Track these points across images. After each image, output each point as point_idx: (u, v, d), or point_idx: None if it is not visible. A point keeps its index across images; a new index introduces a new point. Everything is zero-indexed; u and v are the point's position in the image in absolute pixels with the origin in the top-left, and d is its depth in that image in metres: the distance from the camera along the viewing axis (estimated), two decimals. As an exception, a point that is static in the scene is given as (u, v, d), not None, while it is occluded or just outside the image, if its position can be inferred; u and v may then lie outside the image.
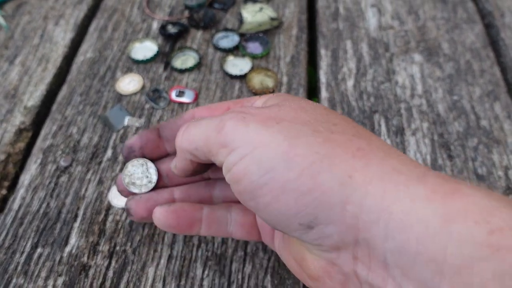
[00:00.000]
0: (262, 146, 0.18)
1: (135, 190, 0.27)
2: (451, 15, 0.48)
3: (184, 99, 0.41)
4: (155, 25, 0.48)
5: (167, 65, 0.44)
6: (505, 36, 0.46)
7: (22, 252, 0.31)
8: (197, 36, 0.47)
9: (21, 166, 0.38)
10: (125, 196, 0.28)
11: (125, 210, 0.27)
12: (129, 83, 0.42)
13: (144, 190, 0.27)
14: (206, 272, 0.30)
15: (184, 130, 0.22)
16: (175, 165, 0.25)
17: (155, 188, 0.27)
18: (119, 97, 0.41)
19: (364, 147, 0.19)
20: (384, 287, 0.17)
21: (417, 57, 0.44)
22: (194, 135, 0.21)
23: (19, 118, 0.40)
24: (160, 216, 0.25)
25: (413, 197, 0.16)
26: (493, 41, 0.47)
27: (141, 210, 0.26)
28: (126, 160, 0.28)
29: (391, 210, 0.17)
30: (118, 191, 0.29)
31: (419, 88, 0.42)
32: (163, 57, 0.45)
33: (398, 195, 0.17)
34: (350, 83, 0.42)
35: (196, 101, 0.41)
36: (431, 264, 0.16)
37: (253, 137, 0.19)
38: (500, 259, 0.14)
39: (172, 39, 0.47)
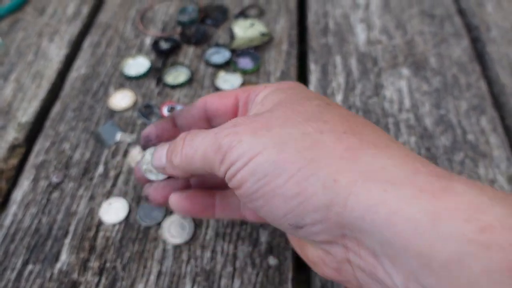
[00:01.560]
0: (255, 156, 0.20)
1: (152, 177, 0.28)
2: (438, 30, 0.49)
3: (175, 115, 0.41)
4: (148, 41, 0.49)
5: (159, 80, 0.45)
6: (491, 50, 0.47)
7: (13, 269, 0.31)
8: (189, 51, 0.48)
9: (13, 183, 0.38)
10: (143, 183, 0.30)
11: (144, 196, 0.29)
12: (121, 99, 0.43)
13: (161, 177, 0.28)
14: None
15: (181, 153, 0.24)
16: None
17: None
18: (112, 113, 0.42)
19: (353, 145, 0.19)
20: (376, 273, 0.18)
21: (405, 71, 0.45)
22: (192, 158, 0.23)
23: (12, 135, 0.41)
24: (175, 202, 0.27)
25: (400, 196, 0.17)
26: (479, 55, 0.48)
27: (159, 196, 0.28)
28: (144, 149, 0.29)
29: (376, 209, 0.17)
30: (136, 178, 0.30)
31: (407, 103, 0.42)
32: (156, 72, 0.46)
33: (384, 195, 0.17)
34: (339, 97, 0.43)
35: (187, 117, 0.41)
36: (419, 258, 0.16)
37: (246, 151, 0.20)
38: (491, 256, 0.14)
39: (165, 55, 0.47)
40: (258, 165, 0.20)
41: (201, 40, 0.48)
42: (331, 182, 0.18)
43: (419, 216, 0.16)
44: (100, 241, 0.33)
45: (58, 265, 0.32)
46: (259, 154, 0.20)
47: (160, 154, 0.26)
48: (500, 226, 0.15)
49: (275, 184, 0.19)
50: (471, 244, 0.15)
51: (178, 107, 0.42)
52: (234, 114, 0.26)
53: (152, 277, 0.31)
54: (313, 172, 0.18)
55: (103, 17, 0.52)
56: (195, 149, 0.23)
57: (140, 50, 0.48)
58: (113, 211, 0.34)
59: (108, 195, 0.36)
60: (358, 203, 0.17)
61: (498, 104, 0.43)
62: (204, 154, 0.22)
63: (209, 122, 0.28)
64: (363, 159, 0.18)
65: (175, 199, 0.27)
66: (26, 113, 0.43)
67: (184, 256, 0.32)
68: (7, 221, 0.34)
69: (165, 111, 0.42)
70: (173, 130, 0.28)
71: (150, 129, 0.28)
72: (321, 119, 0.20)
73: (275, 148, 0.19)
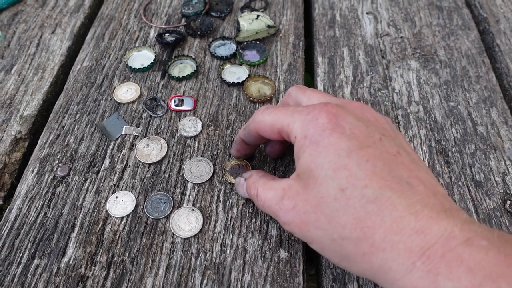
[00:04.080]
0: (309, 243, 0.26)
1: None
2: (447, 22, 0.49)
3: (184, 108, 0.40)
4: (152, 34, 0.48)
5: (165, 73, 0.44)
6: (500, 42, 0.47)
7: (19, 264, 0.31)
8: (194, 44, 0.47)
9: (17, 176, 0.38)
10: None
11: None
12: (126, 92, 0.42)
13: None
14: (205, 281, 0.30)
15: (257, 200, 0.29)
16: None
17: None
18: (117, 106, 0.41)
19: (368, 250, 0.23)
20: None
21: (414, 63, 0.45)
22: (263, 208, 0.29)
23: (15, 128, 0.40)
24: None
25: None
26: (489, 47, 0.47)
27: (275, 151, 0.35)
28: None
29: None
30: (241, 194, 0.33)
31: (416, 95, 0.42)
32: (160, 65, 0.45)
33: (394, 285, 0.22)
34: (347, 90, 0.43)
35: (195, 108, 0.41)
36: None
37: (301, 237, 0.26)
38: None
39: (169, 47, 0.47)
40: (311, 247, 0.26)
41: (206, 33, 0.48)
42: (362, 272, 0.24)
43: None
44: (107, 235, 0.32)
45: (65, 259, 0.31)
46: (310, 243, 0.26)
47: (242, 192, 0.32)
48: None
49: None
50: None
51: (186, 100, 0.41)
52: (283, 141, 0.32)
53: (161, 271, 0.30)
54: (348, 266, 0.24)
55: (106, 9, 0.52)
56: (263, 203, 0.28)
57: (144, 43, 0.47)
58: (120, 204, 0.34)
59: (115, 188, 0.35)
60: (381, 285, 0.23)
61: (508, 96, 0.43)
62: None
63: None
64: (377, 262, 0.22)
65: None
66: (28, 106, 0.42)
67: (193, 250, 0.31)
68: (11, 215, 0.34)
69: (173, 105, 0.41)
70: (246, 147, 0.34)
71: (237, 154, 0.35)
72: (340, 219, 0.24)
73: (318, 245, 0.25)
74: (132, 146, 0.38)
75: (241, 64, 0.45)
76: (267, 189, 0.28)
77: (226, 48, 0.46)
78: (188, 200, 0.34)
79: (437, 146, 0.38)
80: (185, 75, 0.43)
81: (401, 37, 0.47)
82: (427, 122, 0.40)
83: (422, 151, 0.38)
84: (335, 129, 0.24)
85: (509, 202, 0.34)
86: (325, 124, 0.25)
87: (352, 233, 0.23)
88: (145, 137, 0.38)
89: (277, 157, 0.36)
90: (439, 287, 0.20)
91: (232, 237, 0.32)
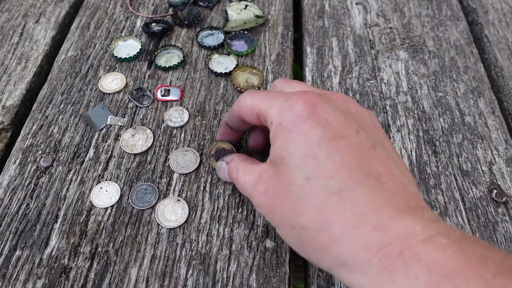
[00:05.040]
0: (275, 227, 0.26)
1: None
2: (436, 13, 0.49)
3: (170, 98, 0.40)
4: (139, 23, 0.48)
5: (151, 63, 0.43)
6: (488, 33, 0.47)
7: (0, 255, 0.30)
8: (181, 34, 0.46)
9: (-1, 167, 0.37)
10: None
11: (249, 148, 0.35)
12: (111, 82, 0.41)
13: None
14: (190, 271, 0.29)
15: (238, 182, 0.28)
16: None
17: None
18: (102, 96, 0.40)
19: (325, 242, 0.22)
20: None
21: (402, 54, 0.45)
22: (243, 191, 0.28)
23: (-3, 118, 0.39)
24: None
25: (359, 283, 0.21)
26: (477, 38, 0.47)
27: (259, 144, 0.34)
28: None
29: (351, 284, 0.22)
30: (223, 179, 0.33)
31: (404, 85, 0.42)
32: (147, 55, 0.44)
33: (350, 279, 0.22)
34: (335, 80, 0.42)
35: (181, 98, 0.40)
36: None
37: (270, 220, 0.26)
38: None
39: (156, 37, 0.46)
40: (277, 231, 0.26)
41: (194, 23, 0.47)
42: (319, 263, 0.24)
43: None
44: (91, 226, 0.32)
45: (48, 251, 0.30)
46: (275, 227, 0.26)
47: (223, 175, 0.31)
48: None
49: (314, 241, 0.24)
50: None
51: (172, 90, 0.40)
52: (264, 128, 0.29)
53: (146, 261, 0.30)
54: (307, 255, 0.24)
55: (92, -2, 0.51)
56: (242, 186, 0.28)
57: (130, 32, 0.47)
58: (105, 195, 0.33)
59: (99, 179, 0.34)
60: (337, 277, 0.23)
61: (496, 87, 0.43)
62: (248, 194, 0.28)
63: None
64: (334, 254, 0.22)
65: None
66: (11, 96, 0.41)
67: (179, 240, 0.31)
68: (-7, 206, 0.33)
69: (159, 94, 0.40)
70: (230, 132, 0.34)
71: (221, 137, 0.35)
72: (301, 208, 0.23)
73: (281, 230, 0.25)
74: (117, 137, 0.37)
75: (229, 54, 0.44)
76: (247, 173, 0.27)
77: (214, 38, 0.46)
78: (174, 190, 0.34)
79: (425, 136, 0.38)
80: (172, 65, 0.42)
81: (390, 28, 0.47)
82: (415, 112, 0.40)
83: (409, 141, 0.37)
84: (310, 117, 0.24)
85: (495, 191, 0.34)
86: (301, 112, 0.24)
87: (311, 223, 0.23)
88: (130, 127, 0.38)
89: (260, 151, 0.35)
90: (395, 284, 0.20)
91: (218, 227, 0.32)
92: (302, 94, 0.25)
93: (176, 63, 0.43)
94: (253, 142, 0.34)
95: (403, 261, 0.20)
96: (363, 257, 0.21)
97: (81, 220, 0.32)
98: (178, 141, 0.37)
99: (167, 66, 0.42)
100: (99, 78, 0.42)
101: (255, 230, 0.32)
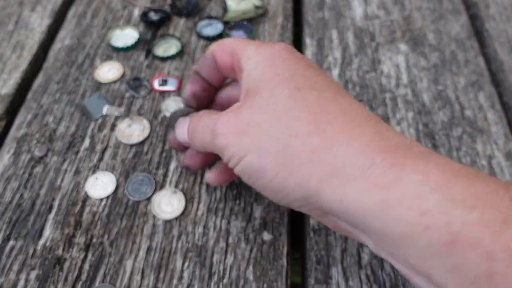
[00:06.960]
0: (242, 159, 0.23)
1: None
2: (437, 6, 0.48)
3: (167, 88, 0.39)
4: (136, 12, 0.47)
5: (149, 53, 0.43)
6: (489, 27, 0.46)
7: (-7, 245, 0.30)
8: (180, 23, 0.46)
9: (-7, 156, 0.36)
10: (181, 150, 0.32)
11: (183, 167, 0.32)
12: (108, 71, 0.41)
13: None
14: (186, 264, 0.29)
15: (195, 142, 0.27)
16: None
17: None
18: (98, 85, 0.40)
19: (318, 148, 0.21)
20: (358, 237, 0.23)
21: (403, 47, 0.44)
22: (204, 148, 0.27)
23: (-9, 107, 0.38)
24: (213, 178, 0.30)
25: (357, 190, 0.20)
26: (478, 31, 0.47)
27: (197, 163, 0.30)
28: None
29: (341, 201, 0.21)
30: (173, 146, 0.32)
31: (404, 78, 0.41)
32: (145, 44, 0.43)
33: (345, 190, 0.20)
34: (335, 72, 0.42)
35: (180, 89, 0.40)
36: (378, 235, 0.20)
37: (235, 153, 0.24)
38: (430, 234, 0.18)
39: (154, 26, 0.45)
40: (245, 167, 0.23)
41: (193, 12, 0.46)
42: (304, 182, 0.22)
43: (373, 206, 0.19)
44: (86, 217, 0.31)
45: (42, 241, 0.30)
46: (244, 157, 0.23)
47: (182, 131, 0.28)
48: (437, 211, 0.18)
49: (262, 182, 0.23)
50: (414, 226, 0.18)
51: (170, 80, 0.40)
52: (234, 71, 0.28)
53: (141, 253, 0.30)
54: (288, 175, 0.22)
55: (89, -14, 0.50)
56: (201, 143, 0.26)
57: (127, 22, 0.46)
58: (100, 185, 0.33)
59: (95, 169, 0.34)
60: (327, 197, 0.21)
61: (496, 81, 0.42)
62: (209, 149, 0.26)
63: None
64: (327, 160, 0.21)
65: (211, 177, 0.30)
66: (6, 84, 0.40)
67: (175, 232, 0.31)
68: (-13, 196, 0.32)
69: (156, 84, 0.40)
70: (202, 81, 0.30)
71: (188, 95, 0.30)
72: (293, 115, 0.22)
73: (255, 153, 0.23)
74: (113, 127, 0.37)
75: (227, 45, 0.43)
76: (212, 113, 0.26)
77: (213, 28, 0.45)
78: (170, 181, 0.33)
79: (424, 129, 0.37)
80: (170, 55, 0.42)
81: (391, 20, 0.47)
82: (415, 105, 0.39)
83: (409, 134, 0.37)
84: (291, 53, 0.25)
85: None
86: (282, 49, 0.25)
87: (303, 127, 0.21)
88: (127, 118, 0.37)
89: (196, 171, 0.33)
90: (404, 183, 0.19)
91: (215, 219, 0.31)
92: (280, 42, 0.26)
93: (174, 53, 0.42)
94: (189, 160, 0.31)
95: (412, 159, 0.19)
96: (364, 156, 0.20)
97: (76, 211, 0.32)
98: (175, 132, 0.36)
99: (165, 56, 0.42)
100: (96, 67, 0.41)
101: (253, 223, 0.31)
